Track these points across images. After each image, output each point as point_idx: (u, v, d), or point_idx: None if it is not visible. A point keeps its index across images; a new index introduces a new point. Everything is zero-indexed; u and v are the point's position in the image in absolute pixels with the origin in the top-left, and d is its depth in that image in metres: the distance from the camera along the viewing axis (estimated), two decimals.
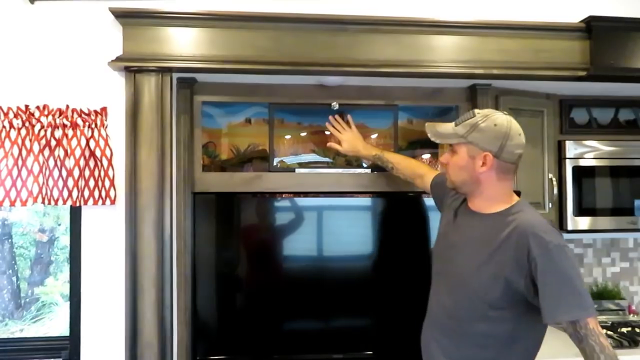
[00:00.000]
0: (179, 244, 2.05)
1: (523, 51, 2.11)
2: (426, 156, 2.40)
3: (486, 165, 1.51)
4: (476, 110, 1.57)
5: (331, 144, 2.20)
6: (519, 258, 1.42)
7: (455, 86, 2.28)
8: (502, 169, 1.53)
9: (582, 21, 2.16)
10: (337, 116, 2.22)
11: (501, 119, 1.53)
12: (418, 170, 2.05)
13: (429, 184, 1.95)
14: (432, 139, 1.56)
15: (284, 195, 2.22)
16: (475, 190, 1.57)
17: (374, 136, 2.36)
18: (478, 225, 1.56)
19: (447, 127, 1.57)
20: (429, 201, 2.12)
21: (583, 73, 2.13)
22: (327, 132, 2.26)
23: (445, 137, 1.56)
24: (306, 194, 2.21)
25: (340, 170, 2.26)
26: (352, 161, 2.29)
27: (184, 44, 1.96)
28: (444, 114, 2.41)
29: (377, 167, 2.20)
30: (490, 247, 1.48)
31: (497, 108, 2.24)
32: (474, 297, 1.49)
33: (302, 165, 2.28)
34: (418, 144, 2.40)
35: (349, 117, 2.23)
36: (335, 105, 2.21)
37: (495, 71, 2.09)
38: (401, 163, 2.11)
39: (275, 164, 2.24)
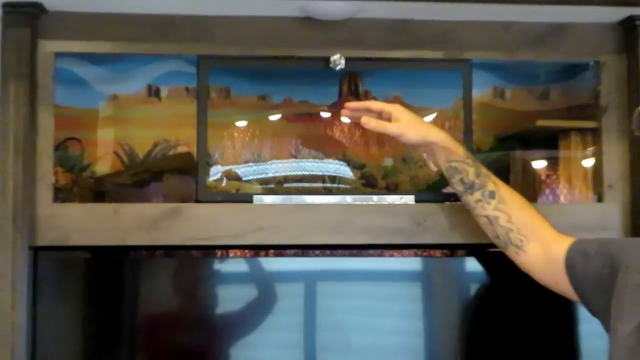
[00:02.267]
0: None
1: None
2: (538, 165, 1.40)
3: None
4: None
5: (376, 124, 1.11)
6: None
7: (592, 21, 1.38)
8: None
9: None
10: (353, 102, 1.21)
11: None
12: (542, 232, 1.13)
13: (559, 256, 1.09)
14: None
15: (231, 253, 1.23)
16: None
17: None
18: None
19: None
20: None
21: None
22: (323, 114, 1.32)
23: None
24: (279, 250, 1.22)
25: (350, 199, 1.23)
26: (375, 179, 1.27)
27: None
28: (570, 77, 1.45)
29: (425, 196, 1.23)
30: None
31: None
32: None
33: (269, 185, 1.29)
34: (518, 141, 1.36)
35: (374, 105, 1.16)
36: (337, 60, 1.26)
37: None
38: (517, 203, 1.13)
39: (214, 179, 1.27)
